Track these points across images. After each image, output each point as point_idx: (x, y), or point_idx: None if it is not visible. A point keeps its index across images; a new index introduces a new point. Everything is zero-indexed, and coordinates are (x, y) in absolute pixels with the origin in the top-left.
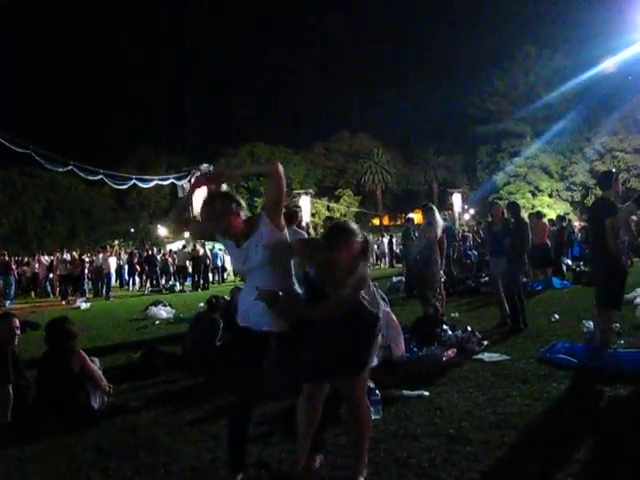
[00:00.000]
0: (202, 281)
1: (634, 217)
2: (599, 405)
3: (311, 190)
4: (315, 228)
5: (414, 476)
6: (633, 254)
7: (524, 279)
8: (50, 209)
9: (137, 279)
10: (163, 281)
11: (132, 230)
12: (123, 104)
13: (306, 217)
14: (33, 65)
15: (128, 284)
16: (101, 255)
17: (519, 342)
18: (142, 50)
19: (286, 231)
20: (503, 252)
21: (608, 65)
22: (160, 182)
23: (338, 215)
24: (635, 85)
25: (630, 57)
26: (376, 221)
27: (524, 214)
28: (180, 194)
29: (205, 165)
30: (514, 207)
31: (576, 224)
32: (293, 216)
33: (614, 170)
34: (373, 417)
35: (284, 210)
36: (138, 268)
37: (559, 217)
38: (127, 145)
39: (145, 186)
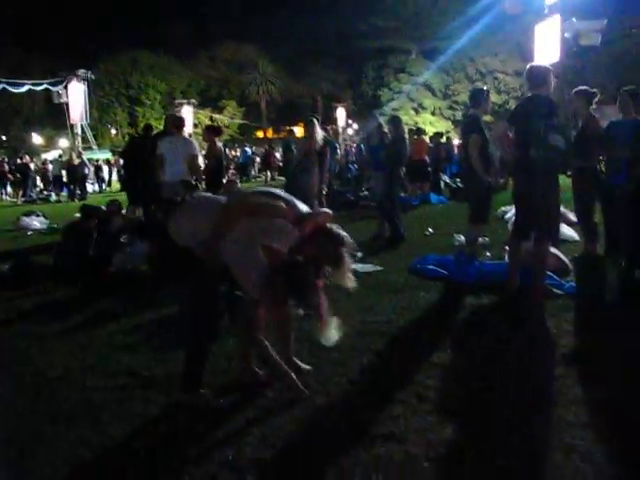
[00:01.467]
0: (79, 191)
1: (510, 134)
2: (462, 313)
3: (194, 100)
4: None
5: (280, 381)
6: (507, 173)
7: (401, 193)
8: None
9: (9, 189)
10: (35, 191)
11: (4, 138)
12: None
13: (188, 128)
14: None
15: (1, 194)
16: None
17: (392, 254)
18: None
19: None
20: (381, 166)
21: None
22: (33, 87)
23: (221, 125)
24: (521, 12)
25: None
26: (260, 133)
27: (405, 130)
28: (55, 100)
29: (82, 70)
30: (395, 120)
31: (455, 142)
32: (180, 124)
33: (485, 88)
34: None
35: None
36: (10, 177)
37: (437, 134)
38: None
39: (16, 91)
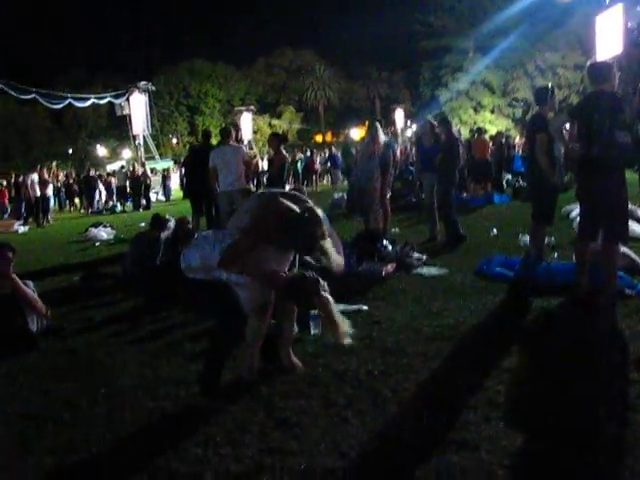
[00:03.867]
0: (143, 201)
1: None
2: (531, 316)
3: (253, 107)
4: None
5: (351, 388)
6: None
7: (464, 194)
8: None
9: (77, 201)
10: (102, 202)
11: (70, 151)
12: (53, 22)
13: (248, 134)
14: None
15: (68, 206)
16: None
17: (458, 256)
18: None
19: None
20: (433, 168)
21: None
22: (97, 101)
23: (280, 132)
24: (581, 3)
25: None
26: (319, 137)
27: (464, 130)
28: (118, 112)
29: (143, 82)
30: (445, 123)
31: (517, 141)
32: (227, 134)
33: (550, 85)
34: (312, 332)
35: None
36: (77, 189)
37: (499, 133)
38: (60, 66)
39: (81, 105)
